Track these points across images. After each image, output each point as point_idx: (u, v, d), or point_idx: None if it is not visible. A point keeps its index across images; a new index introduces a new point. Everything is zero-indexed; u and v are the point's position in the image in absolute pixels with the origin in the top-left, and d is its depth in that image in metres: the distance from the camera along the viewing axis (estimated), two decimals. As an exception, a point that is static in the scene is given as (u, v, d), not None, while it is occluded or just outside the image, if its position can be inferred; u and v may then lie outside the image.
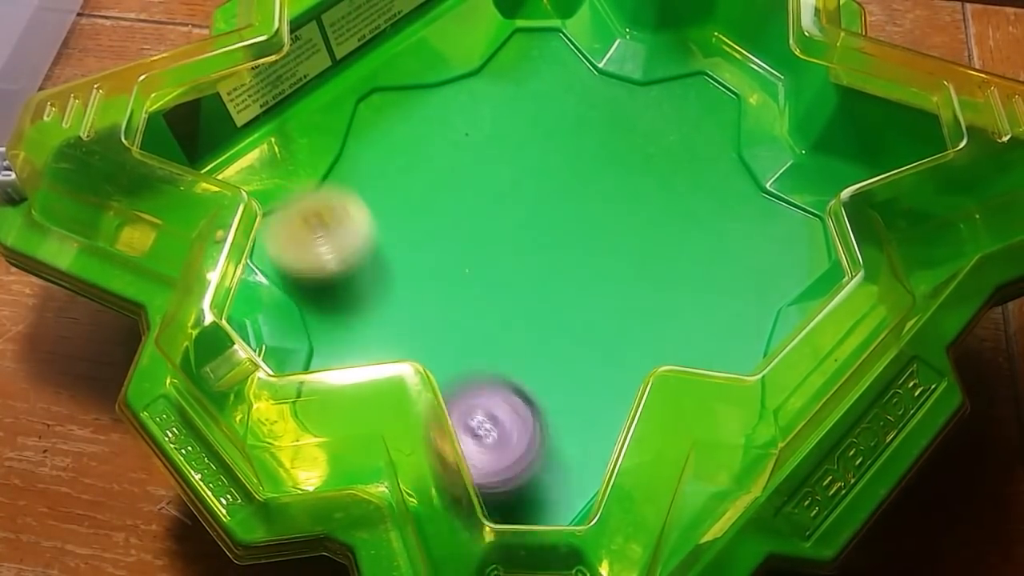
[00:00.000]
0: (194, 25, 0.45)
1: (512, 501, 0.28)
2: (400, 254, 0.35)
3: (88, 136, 0.30)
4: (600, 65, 0.40)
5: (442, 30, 0.41)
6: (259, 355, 0.27)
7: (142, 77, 0.31)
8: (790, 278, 0.34)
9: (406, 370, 0.24)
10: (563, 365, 0.33)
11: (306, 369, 0.32)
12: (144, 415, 0.26)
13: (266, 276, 0.34)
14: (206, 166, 0.37)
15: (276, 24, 0.32)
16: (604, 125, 0.39)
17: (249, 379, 0.24)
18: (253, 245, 0.28)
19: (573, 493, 0.29)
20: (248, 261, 0.31)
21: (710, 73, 0.40)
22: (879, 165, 0.30)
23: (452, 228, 0.36)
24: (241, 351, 0.24)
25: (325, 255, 0.33)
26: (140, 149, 0.29)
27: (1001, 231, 0.29)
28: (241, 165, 0.37)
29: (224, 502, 0.25)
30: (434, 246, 0.36)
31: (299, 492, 0.25)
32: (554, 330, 0.34)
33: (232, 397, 0.24)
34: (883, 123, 0.34)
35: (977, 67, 0.43)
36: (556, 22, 0.42)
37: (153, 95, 0.31)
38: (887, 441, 0.25)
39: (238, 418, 0.24)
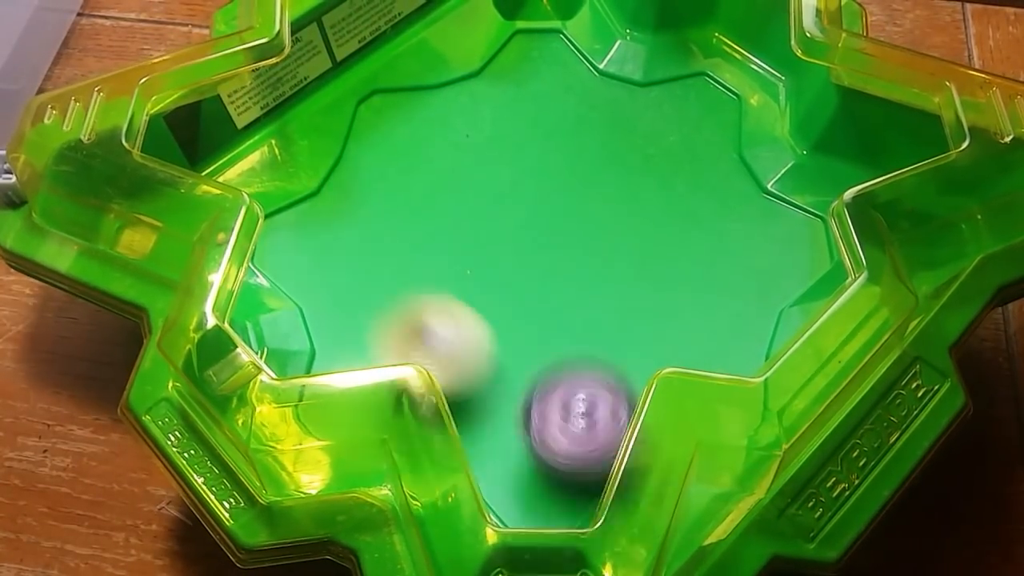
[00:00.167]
0: (194, 25, 0.45)
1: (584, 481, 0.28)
2: (401, 255, 0.35)
3: (89, 139, 0.30)
4: (600, 66, 0.40)
5: (442, 31, 0.41)
6: (261, 358, 0.27)
7: (143, 79, 0.31)
8: (792, 279, 0.34)
9: (409, 372, 0.24)
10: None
11: (308, 372, 0.32)
12: (146, 418, 0.26)
13: (267, 278, 0.34)
14: (207, 168, 0.37)
15: (277, 26, 0.32)
16: (605, 126, 0.39)
17: (252, 382, 0.24)
18: (255, 248, 0.28)
19: (576, 495, 0.29)
20: (250, 264, 0.31)
21: (711, 74, 0.40)
22: (880, 166, 0.31)
23: (453, 229, 0.36)
24: (244, 354, 0.24)
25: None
26: (141, 152, 0.29)
27: (1003, 232, 0.29)
28: (242, 167, 0.37)
29: (227, 506, 0.25)
30: (435, 247, 0.36)
31: (302, 495, 0.25)
32: (555, 331, 0.34)
33: (235, 400, 0.24)
34: (884, 124, 0.34)
35: (977, 67, 0.43)
36: (556, 23, 0.42)
37: (154, 97, 0.31)
38: (890, 442, 0.25)
39: (241, 421, 0.24)
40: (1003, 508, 0.32)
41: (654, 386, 0.24)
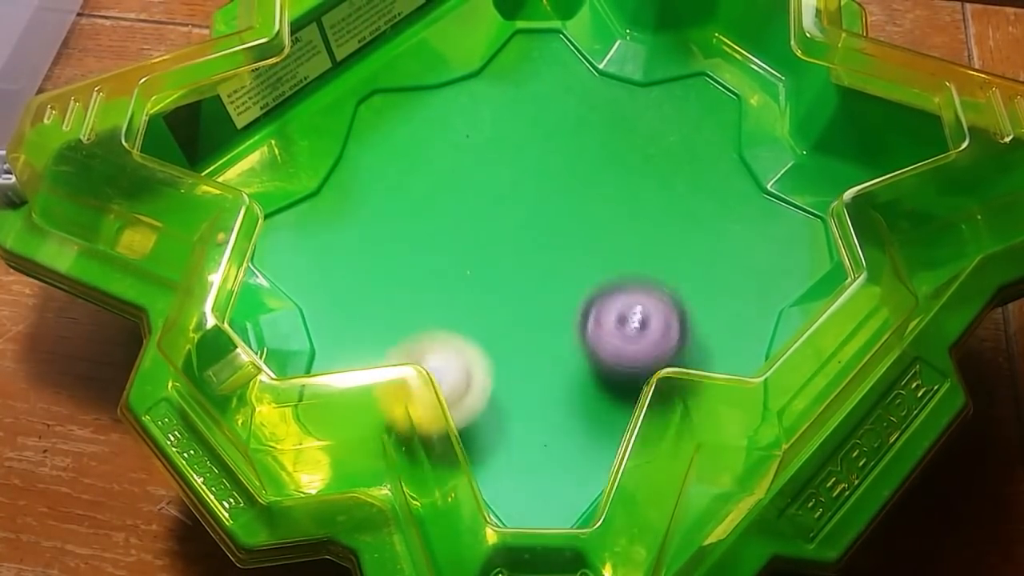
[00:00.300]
0: (194, 25, 0.45)
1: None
2: (401, 256, 0.35)
3: (88, 139, 0.29)
4: (600, 66, 0.40)
5: (442, 32, 0.41)
6: (261, 358, 0.27)
7: (142, 79, 0.31)
8: (791, 279, 0.34)
9: (408, 372, 0.24)
10: (565, 366, 0.33)
11: (308, 372, 0.32)
12: (146, 419, 0.26)
13: (267, 278, 0.34)
14: (207, 168, 0.37)
15: (276, 26, 0.32)
16: (604, 126, 0.39)
17: (251, 382, 0.24)
18: (255, 248, 0.28)
19: (576, 495, 0.29)
20: (249, 264, 0.31)
21: (711, 74, 0.40)
22: (880, 166, 0.30)
23: (453, 230, 0.36)
24: (243, 354, 0.24)
25: None
26: (140, 152, 0.29)
27: (1003, 232, 0.29)
28: (242, 167, 0.37)
29: (227, 506, 0.25)
30: (435, 248, 0.36)
31: (302, 495, 0.25)
32: (556, 331, 0.34)
33: (234, 400, 0.24)
34: (884, 124, 0.34)
35: (977, 67, 0.43)
36: (556, 23, 0.41)
37: (154, 97, 0.31)
38: (890, 442, 0.25)
39: (240, 421, 0.24)
40: (1003, 508, 0.32)
41: (654, 386, 0.24)
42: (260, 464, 0.24)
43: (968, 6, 0.45)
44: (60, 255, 0.29)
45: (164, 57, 0.31)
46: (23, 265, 0.30)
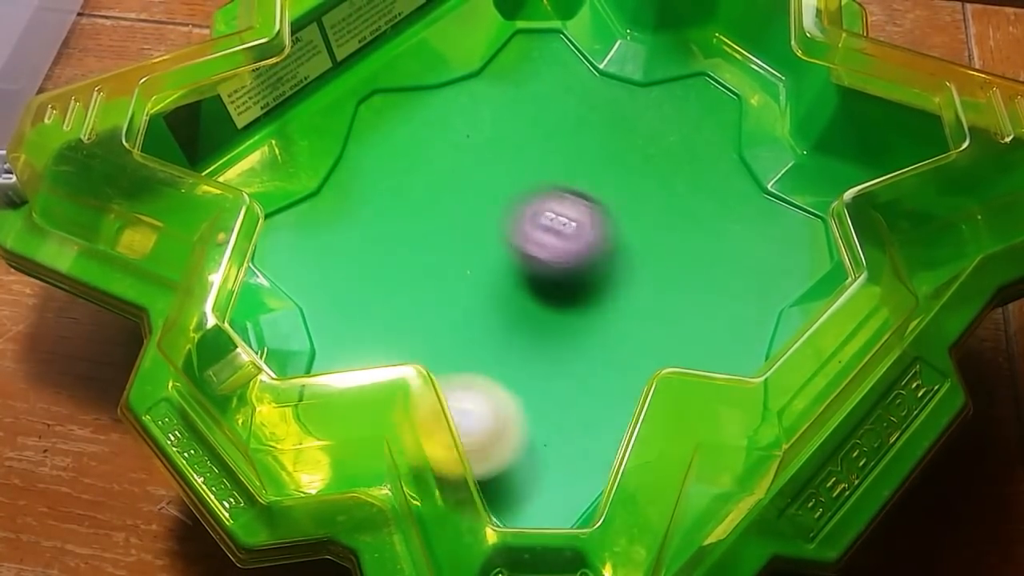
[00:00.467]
0: (194, 25, 0.45)
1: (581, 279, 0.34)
2: (401, 255, 0.35)
3: (89, 139, 0.30)
4: (601, 66, 0.40)
5: (442, 32, 0.41)
6: (261, 357, 0.27)
7: (143, 79, 0.31)
8: (792, 279, 0.34)
9: (408, 372, 0.24)
10: (564, 366, 0.33)
11: (308, 371, 0.32)
12: (146, 418, 0.26)
13: (267, 278, 0.34)
14: (207, 168, 0.37)
15: (277, 26, 0.32)
16: (605, 126, 0.39)
17: (252, 382, 0.24)
18: (255, 248, 0.28)
19: (576, 495, 0.29)
20: (250, 264, 0.31)
21: (711, 74, 0.40)
22: (881, 166, 0.30)
23: (453, 229, 0.36)
24: (244, 354, 0.24)
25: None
26: (141, 152, 0.29)
27: (1003, 232, 0.29)
28: (242, 167, 0.37)
29: (227, 505, 0.25)
30: (435, 247, 0.36)
31: (302, 495, 0.25)
32: (555, 331, 0.34)
33: (235, 400, 0.24)
34: (885, 124, 0.34)
35: (977, 67, 0.43)
36: (556, 23, 0.41)
37: (154, 97, 0.31)
38: (890, 442, 0.25)
39: (240, 421, 0.24)
40: (1003, 508, 0.32)
41: (654, 386, 0.24)
42: (260, 464, 0.24)
43: (968, 6, 0.45)
44: (60, 255, 0.29)
45: (164, 57, 0.31)
46: (23, 265, 0.30)
